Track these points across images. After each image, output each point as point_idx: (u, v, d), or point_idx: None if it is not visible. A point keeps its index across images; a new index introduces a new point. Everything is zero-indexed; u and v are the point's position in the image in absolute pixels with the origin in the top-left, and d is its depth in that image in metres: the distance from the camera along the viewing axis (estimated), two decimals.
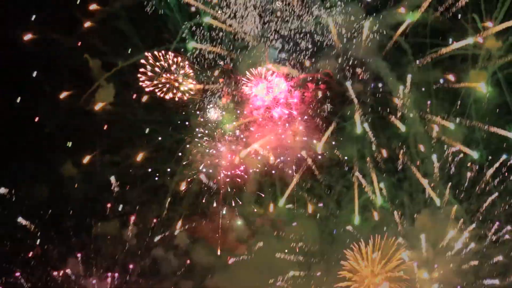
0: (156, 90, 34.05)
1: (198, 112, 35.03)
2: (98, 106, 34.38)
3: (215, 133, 35.04)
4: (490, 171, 34.68)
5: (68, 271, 34.50)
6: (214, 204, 35.47)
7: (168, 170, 35.35)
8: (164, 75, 33.94)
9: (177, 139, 35.04)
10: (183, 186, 34.66)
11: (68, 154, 34.42)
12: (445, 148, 34.87)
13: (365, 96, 34.80)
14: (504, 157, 34.42)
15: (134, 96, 34.44)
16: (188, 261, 35.18)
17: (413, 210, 35.14)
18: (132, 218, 34.98)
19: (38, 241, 34.41)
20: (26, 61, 33.23)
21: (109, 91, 34.73)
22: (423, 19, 34.00)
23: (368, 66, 34.92)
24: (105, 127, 34.64)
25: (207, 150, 35.10)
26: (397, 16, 34.50)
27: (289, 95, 34.64)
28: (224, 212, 35.28)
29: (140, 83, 33.86)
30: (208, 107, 35.00)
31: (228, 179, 35.05)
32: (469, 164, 34.70)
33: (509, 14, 33.63)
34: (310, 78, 34.78)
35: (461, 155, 34.66)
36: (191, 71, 34.33)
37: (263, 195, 35.28)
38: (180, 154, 35.27)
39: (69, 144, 33.97)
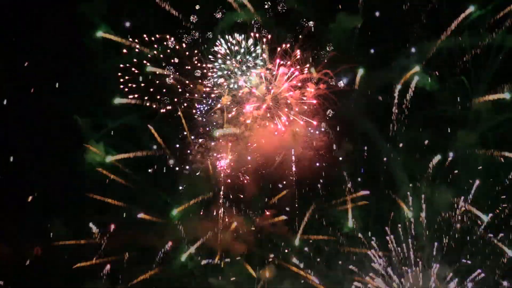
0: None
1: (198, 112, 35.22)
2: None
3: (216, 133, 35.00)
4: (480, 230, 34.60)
5: None
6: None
7: None
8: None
9: (165, 200, 35.10)
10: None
11: (57, 216, 34.49)
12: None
13: (354, 157, 34.99)
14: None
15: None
16: None
17: (402, 270, 35.02)
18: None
19: None
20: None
21: (99, 150, 34.82)
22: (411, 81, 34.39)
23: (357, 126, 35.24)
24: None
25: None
26: (385, 78, 34.86)
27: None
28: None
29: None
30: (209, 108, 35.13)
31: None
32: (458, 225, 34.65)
33: (498, 76, 34.03)
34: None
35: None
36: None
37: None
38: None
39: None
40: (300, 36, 34.36)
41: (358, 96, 34.96)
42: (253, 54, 34.61)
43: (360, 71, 34.19)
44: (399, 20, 34.22)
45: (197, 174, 35.17)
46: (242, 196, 35.01)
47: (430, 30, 33.96)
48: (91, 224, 34.35)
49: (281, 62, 34.42)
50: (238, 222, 35.09)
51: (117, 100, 33.90)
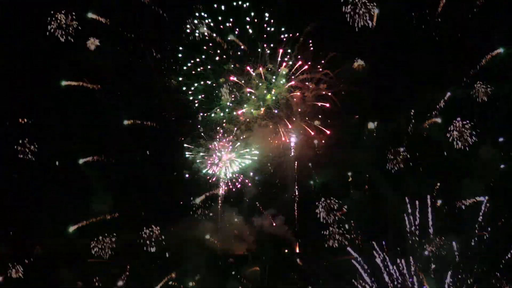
0: None
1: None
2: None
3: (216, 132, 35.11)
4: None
5: None
6: None
7: None
8: None
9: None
10: None
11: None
12: None
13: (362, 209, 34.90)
14: None
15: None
16: None
17: None
18: None
19: None
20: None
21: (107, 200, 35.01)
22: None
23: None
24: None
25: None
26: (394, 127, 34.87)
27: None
28: None
29: None
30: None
31: None
32: None
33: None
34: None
35: None
36: None
37: None
38: None
39: None
40: (301, 38, 34.22)
41: (366, 146, 34.96)
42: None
43: (371, 125, 34.16)
44: (407, 69, 34.23)
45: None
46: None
47: (438, 80, 34.00)
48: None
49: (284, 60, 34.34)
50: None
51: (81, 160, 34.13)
